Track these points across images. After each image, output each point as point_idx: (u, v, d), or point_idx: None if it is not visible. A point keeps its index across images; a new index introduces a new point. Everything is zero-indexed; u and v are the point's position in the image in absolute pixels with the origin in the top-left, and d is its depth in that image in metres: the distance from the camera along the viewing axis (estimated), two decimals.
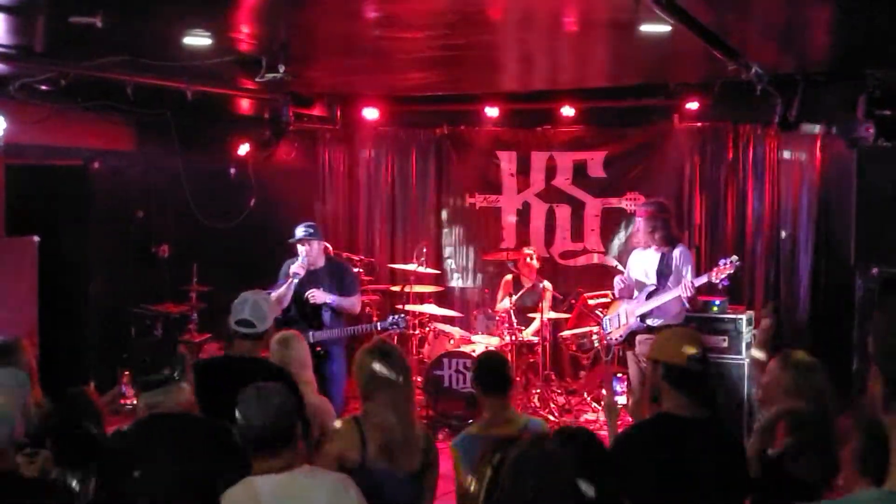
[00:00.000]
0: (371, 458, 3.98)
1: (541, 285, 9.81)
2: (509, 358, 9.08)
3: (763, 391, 4.12)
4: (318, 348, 7.43)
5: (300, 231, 7.59)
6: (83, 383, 9.13)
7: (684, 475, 3.64)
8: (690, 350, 3.81)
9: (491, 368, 4.59)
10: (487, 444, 4.36)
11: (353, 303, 7.68)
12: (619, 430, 4.18)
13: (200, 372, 4.37)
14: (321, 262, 7.65)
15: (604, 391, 9.14)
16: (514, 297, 9.50)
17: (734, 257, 7.30)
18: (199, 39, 6.48)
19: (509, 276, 10.06)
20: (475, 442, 4.39)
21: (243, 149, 10.64)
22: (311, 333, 7.48)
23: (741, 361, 8.40)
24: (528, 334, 9.46)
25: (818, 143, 9.29)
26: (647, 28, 5.69)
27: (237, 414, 3.57)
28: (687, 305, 7.34)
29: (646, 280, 7.54)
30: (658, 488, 3.52)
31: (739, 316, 8.52)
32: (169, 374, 3.94)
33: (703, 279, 7.28)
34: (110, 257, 9.67)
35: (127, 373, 9.00)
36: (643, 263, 7.61)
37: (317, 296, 7.49)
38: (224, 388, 3.92)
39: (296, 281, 7.51)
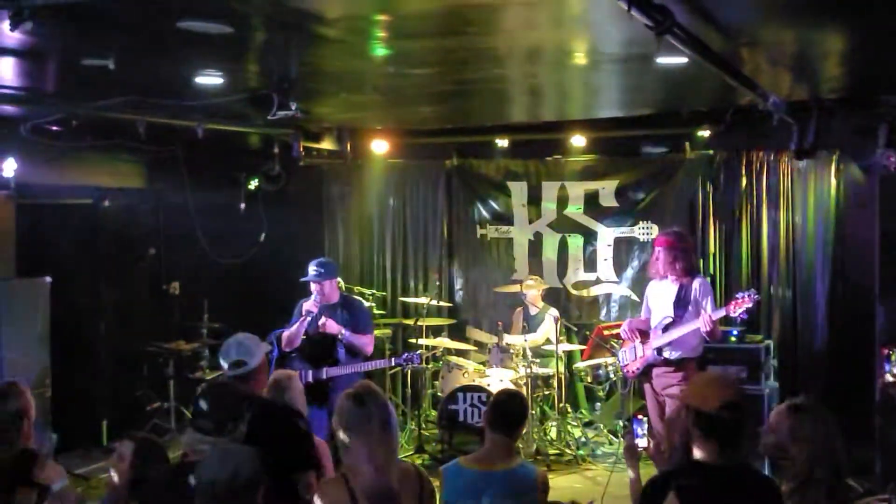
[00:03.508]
0: None
1: (548, 313, 9.74)
2: (524, 391, 9.02)
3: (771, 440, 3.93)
4: (331, 382, 7.39)
5: (312, 271, 7.54)
6: (96, 423, 9.15)
7: None
8: (723, 397, 3.65)
9: (501, 407, 4.57)
10: (471, 476, 4.36)
11: (366, 343, 7.60)
12: (649, 477, 4.06)
13: None
14: (335, 298, 7.60)
15: (620, 423, 9.06)
16: (525, 328, 9.48)
17: (753, 290, 7.17)
18: (211, 79, 6.47)
19: (519, 308, 10.02)
20: (461, 472, 4.48)
21: (253, 184, 10.62)
22: (324, 370, 7.43)
23: (761, 392, 8.31)
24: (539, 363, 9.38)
25: (832, 169, 9.23)
26: (663, 60, 5.65)
27: (196, 474, 3.46)
28: (707, 338, 7.22)
29: (663, 312, 7.44)
30: None
31: (758, 346, 8.45)
32: (216, 428, 3.90)
33: (721, 312, 7.16)
34: (121, 295, 9.64)
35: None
36: (661, 294, 7.50)
37: (328, 325, 7.43)
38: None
39: (309, 319, 7.45)
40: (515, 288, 10.09)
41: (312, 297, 7.54)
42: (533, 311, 9.90)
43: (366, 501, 3.82)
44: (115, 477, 4.13)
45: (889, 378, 4.81)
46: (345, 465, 3.97)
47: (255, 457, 3.55)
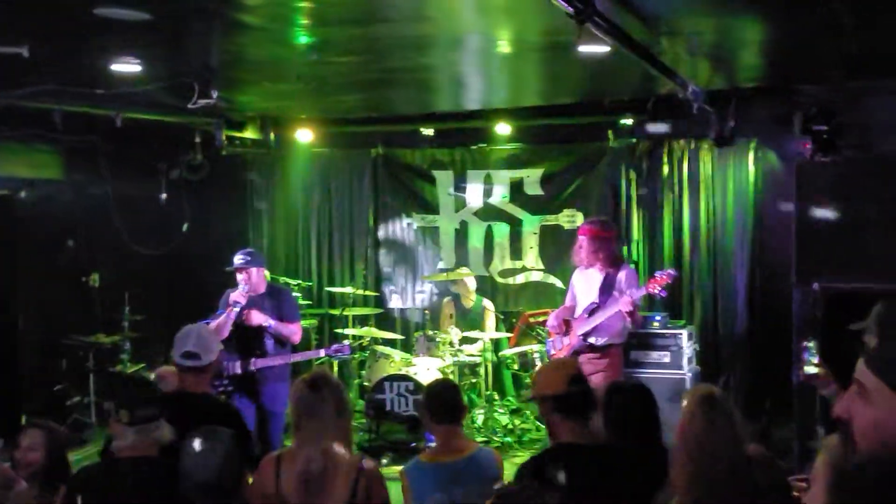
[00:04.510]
0: (285, 492, 3.88)
1: (482, 304, 9.79)
2: (451, 379, 9.05)
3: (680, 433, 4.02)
4: (259, 374, 7.32)
5: (238, 259, 7.44)
6: (14, 418, 8.92)
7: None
8: (568, 375, 3.84)
9: (441, 397, 4.54)
10: (434, 470, 4.37)
11: (293, 331, 7.52)
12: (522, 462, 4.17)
13: None
14: (262, 288, 7.52)
15: None
16: (455, 321, 9.51)
17: (671, 269, 7.35)
18: (129, 66, 6.35)
19: (449, 298, 10.03)
20: (423, 469, 4.44)
21: (175, 174, 10.46)
22: (252, 361, 7.34)
23: (683, 376, 8.45)
24: (471, 352, 9.41)
25: (751, 157, 9.41)
26: (585, 49, 5.70)
27: (181, 465, 3.45)
28: (628, 321, 7.32)
29: (589, 299, 7.53)
30: None
31: (680, 331, 8.59)
32: (157, 413, 3.85)
33: (642, 291, 7.30)
34: (40, 288, 9.41)
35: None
36: (586, 282, 7.59)
37: (252, 316, 7.33)
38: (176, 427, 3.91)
39: (236, 310, 7.35)
40: (443, 277, 10.11)
41: (240, 287, 7.43)
42: (468, 303, 9.92)
43: (293, 481, 3.83)
44: (26, 466, 4.05)
45: (809, 369, 4.92)
46: (292, 445, 3.99)
47: (235, 439, 3.58)
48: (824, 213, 7.29)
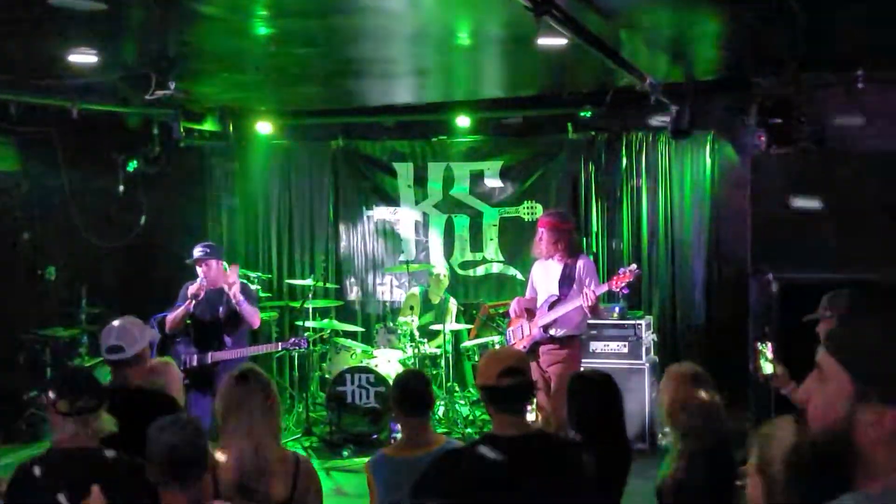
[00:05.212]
0: (223, 491, 3.85)
1: (447, 301, 9.82)
2: None
3: (667, 410, 4.13)
4: (216, 367, 7.30)
5: (197, 251, 7.41)
6: None
7: (507, 496, 3.64)
8: (501, 367, 3.77)
9: (410, 390, 4.45)
10: (400, 465, 4.36)
11: (254, 312, 7.54)
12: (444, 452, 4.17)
13: None
14: (221, 282, 7.49)
15: None
16: (418, 313, 9.51)
17: (634, 266, 7.38)
18: (86, 57, 6.29)
19: (415, 291, 10.03)
20: (389, 463, 4.39)
21: (132, 166, 10.36)
22: (209, 354, 7.33)
23: (642, 366, 8.54)
24: (430, 347, 9.44)
25: (708, 149, 9.51)
26: (544, 42, 5.72)
27: (149, 440, 3.43)
28: (589, 315, 7.37)
29: (549, 291, 7.56)
30: None
31: (639, 321, 8.67)
32: (97, 402, 3.80)
33: (604, 287, 7.33)
34: None
35: None
36: (546, 274, 7.62)
37: (231, 273, 7.35)
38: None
39: (194, 302, 7.33)
40: (403, 268, 10.11)
41: (198, 280, 7.41)
42: (434, 299, 9.92)
43: (229, 480, 3.81)
44: None
45: (767, 369, 5.00)
46: (221, 442, 3.94)
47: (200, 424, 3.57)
48: (779, 204, 7.39)
